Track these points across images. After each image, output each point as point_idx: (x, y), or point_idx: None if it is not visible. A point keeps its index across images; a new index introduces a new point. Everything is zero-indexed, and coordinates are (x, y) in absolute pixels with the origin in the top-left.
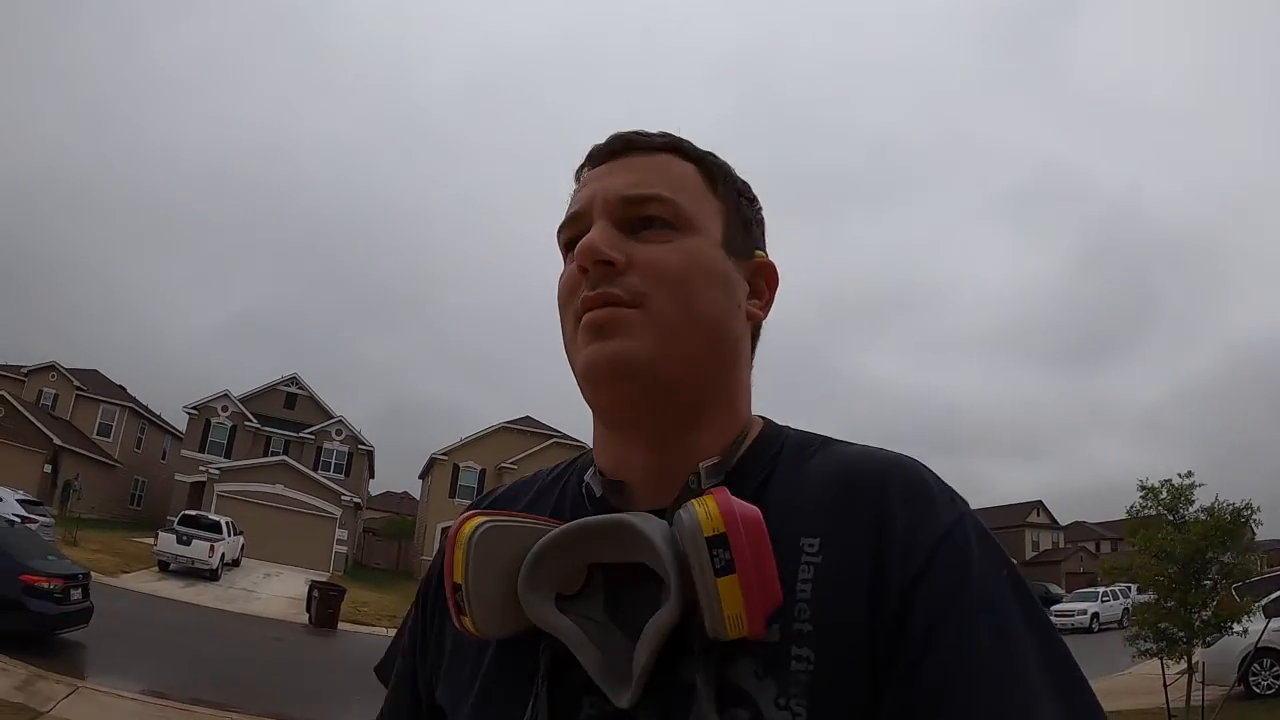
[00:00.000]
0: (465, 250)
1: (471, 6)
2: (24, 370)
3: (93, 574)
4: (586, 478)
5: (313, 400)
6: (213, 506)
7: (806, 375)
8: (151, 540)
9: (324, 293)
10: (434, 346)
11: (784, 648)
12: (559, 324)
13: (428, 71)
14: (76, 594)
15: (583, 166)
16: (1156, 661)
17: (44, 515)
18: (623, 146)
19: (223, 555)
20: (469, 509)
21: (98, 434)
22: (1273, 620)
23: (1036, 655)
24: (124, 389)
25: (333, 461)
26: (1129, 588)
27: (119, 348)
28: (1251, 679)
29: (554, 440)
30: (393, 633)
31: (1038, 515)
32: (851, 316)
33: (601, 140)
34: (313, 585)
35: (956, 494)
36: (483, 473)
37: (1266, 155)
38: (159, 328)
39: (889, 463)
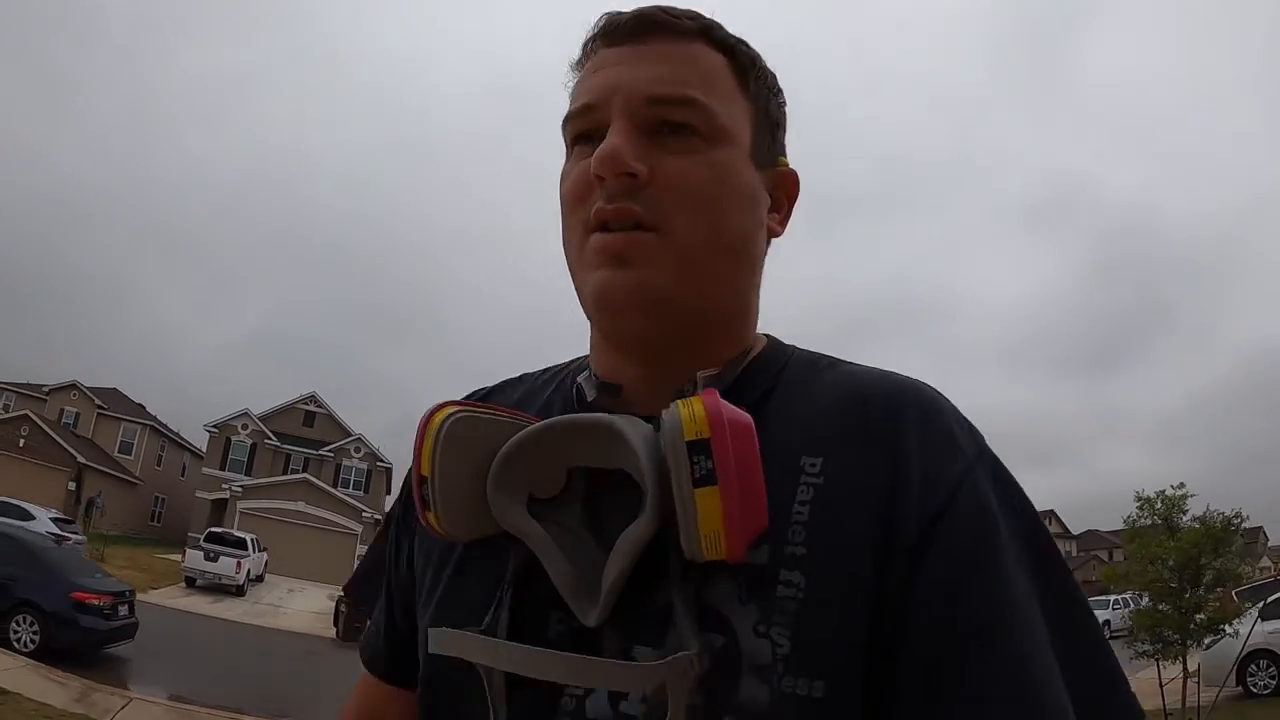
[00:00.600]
0: (477, 267)
1: (484, 29)
2: (45, 389)
3: None
4: (580, 379)
5: (331, 418)
6: (235, 523)
7: None
8: (176, 556)
9: (337, 309)
10: (444, 362)
11: (772, 571)
12: (560, 223)
13: (442, 90)
14: (123, 610)
15: (594, 39)
16: (1182, 668)
17: (75, 533)
18: (647, 25)
19: (248, 571)
20: (448, 401)
21: (119, 452)
22: (1268, 622)
23: (1042, 611)
24: (143, 407)
25: (352, 478)
26: (1140, 595)
27: (136, 366)
28: (1249, 679)
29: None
30: None
31: (1050, 524)
32: (864, 329)
33: (618, 10)
34: (340, 600)
35: (974, 427)
36: None
37: (1277, 161)
38: (174, 346)
39: (905, 387)
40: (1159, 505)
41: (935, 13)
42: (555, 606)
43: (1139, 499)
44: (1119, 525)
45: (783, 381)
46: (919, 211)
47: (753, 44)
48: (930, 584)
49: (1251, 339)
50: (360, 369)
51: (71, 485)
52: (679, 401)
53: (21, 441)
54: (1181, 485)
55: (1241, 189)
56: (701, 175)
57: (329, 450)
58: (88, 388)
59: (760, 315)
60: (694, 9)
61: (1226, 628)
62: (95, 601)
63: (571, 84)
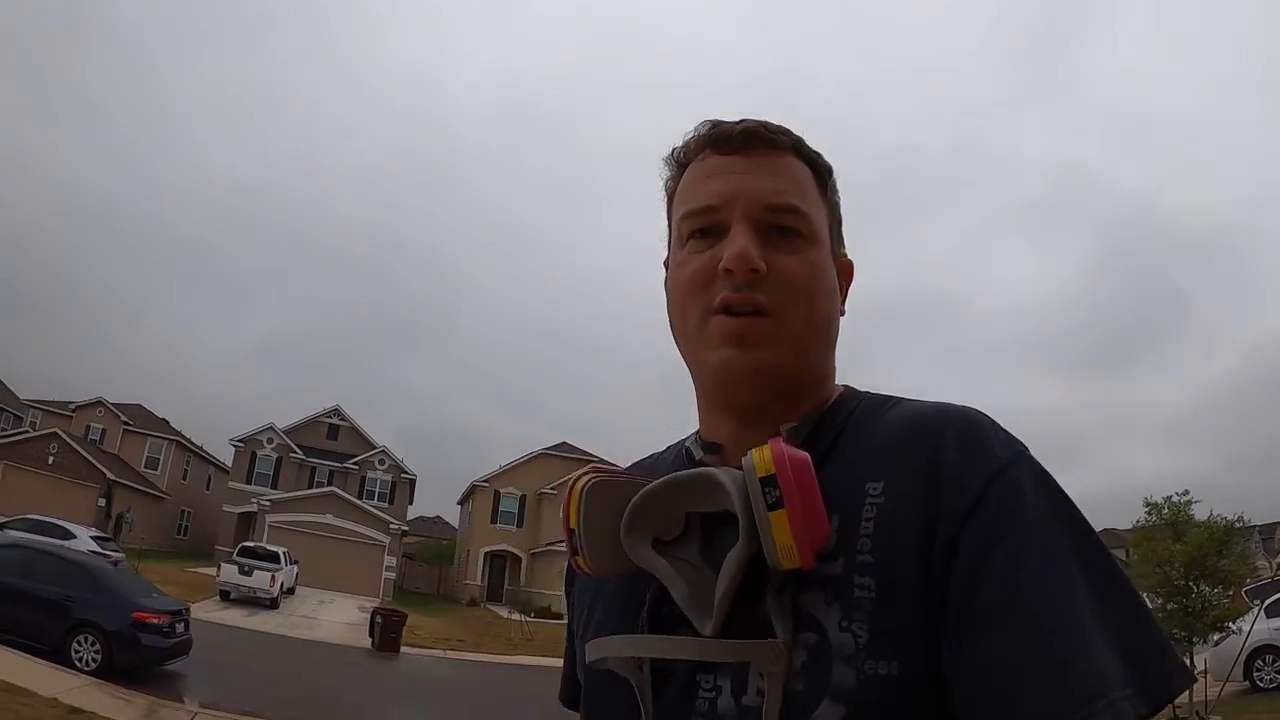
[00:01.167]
0: (492, 275)
1: (496, 37)
2: (72, 406)
3: None
4: (688, 443)
5: (355, 431)
6: (265, 537)
7: None
8: (205, 569)
9: (353, 318)
10: (460, 371)
11: (848, 578)
12: (671, 308)
13: (456, 98)
14: (180, 627)
15: (703, 144)
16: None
17: (115, 551)
18: (756, 140)
19: (281, 584)
20: (583, 472)
21: (145, 467)
22: (1273, 619)
23: (1086, 579)
24: (167, 422)
25: (376, 490)
26: (1149, 595)
27: (157, 380)
28: (1255, 674)
29: (593, 465)
30: (451, 654)
31: None
32: (875, 332)
33: (721, 120)
34: (375, 611)
35: (1016, 439)
36: (523, 499)
37: None
38: (193, 359)
39: (949, 411)
40: (1166, 510)
41: (937, 13)
42: (683, 623)
43: (1147, 504)
44: (1134, 524)
45: (851, 423)
46: (928, 212)
47: (765, 45)
48: (962, 563)
49: (1264, 333)
50: (377, 376)
51: (101, 501)
52: (754, 449)
53: (51, 459)
54: (1186, 492)
55: (1251, 181)
56: (805, 272)
57: (354, 463)
58: (113, 404)
59: None
60: (785, 125)
61: (1231, 625)
62: (155, 620)
63: (669, 172)
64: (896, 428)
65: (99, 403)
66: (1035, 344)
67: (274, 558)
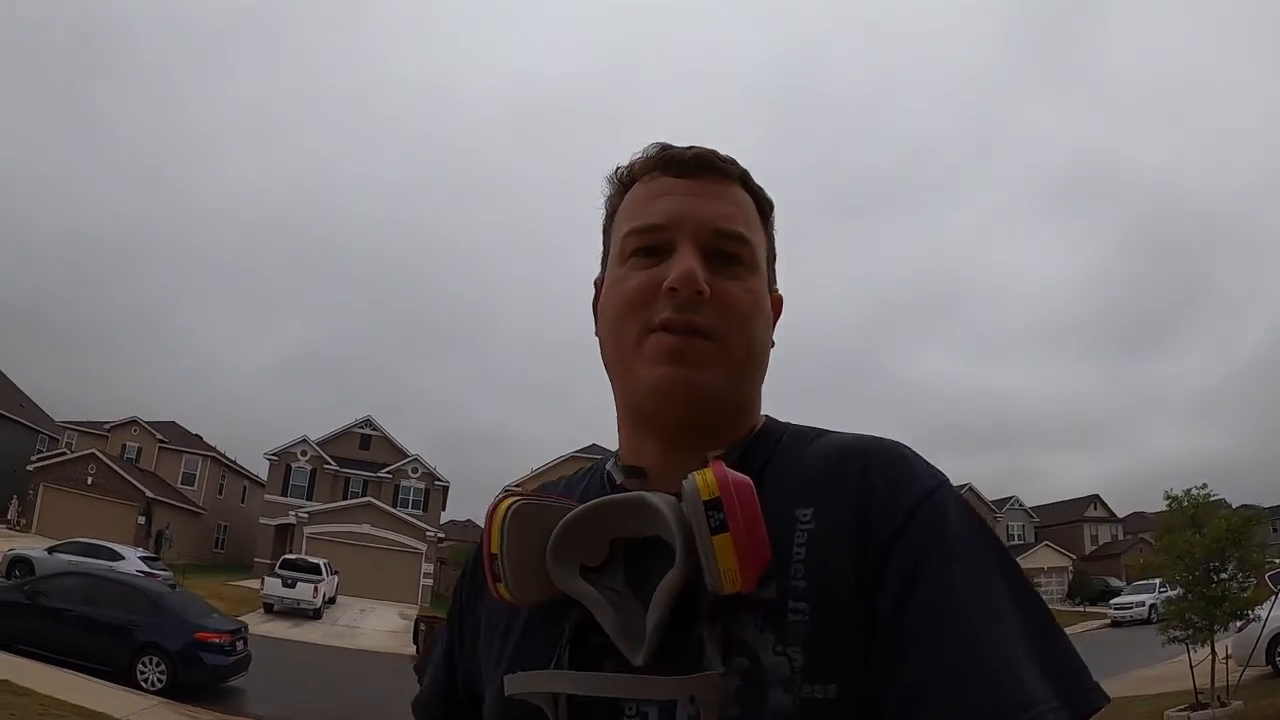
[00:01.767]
0: (515, 279)
1: (513, 41)
2: (106, 426)
3: None
4: (608, 467)
5: (387, 440)
6: (303, 548)
7: (859, 379)
8: (245, 582)
9: (380, 328)
10: (489, 376)
11: (782, 603)
12: (604, 324)
13: (470, 106)
14: (239, 645)
15: (653, 165)
16: (1195, 651)
17: (163, 570)
18: (705, 166)
19: (324, 595)
20: (502, 492)
21: (182, 483)
22: None
23: (1010, 601)
24: (200, 438)
25: (410, 498)
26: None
27: (188, 396)
28: (1277, 659)
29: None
30: None
31: (1095, 509)
32: (900, 318)
33: (670, 144)
34: (419, 619)
35: (937, 469)
36: None
37: None
38: (222, 374)
39: (874, 442)
40: (1186, 504)
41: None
42: (609, 655)
43: (1168, 496)
44: (1164, 506)
45: (778, 452)
46: (951, 199)
47: (780, 34)
48: (892, 583)
49: None
50: (405, 384)
51: (141, 519)
52: (695, 473)
53: (90, 479)
54: (1205, 485)
55: (1273, 156)
56: (745, 299)
57: (387, 472)
58: (147, 422)
59: (803, 317)
60: (732, 155)
61: (1250, 612)
62: (216, 640)
63: (610, 190)
64: (823, 456)
65: (133, 422)
66: (1061, 327)
67: (315, 569)
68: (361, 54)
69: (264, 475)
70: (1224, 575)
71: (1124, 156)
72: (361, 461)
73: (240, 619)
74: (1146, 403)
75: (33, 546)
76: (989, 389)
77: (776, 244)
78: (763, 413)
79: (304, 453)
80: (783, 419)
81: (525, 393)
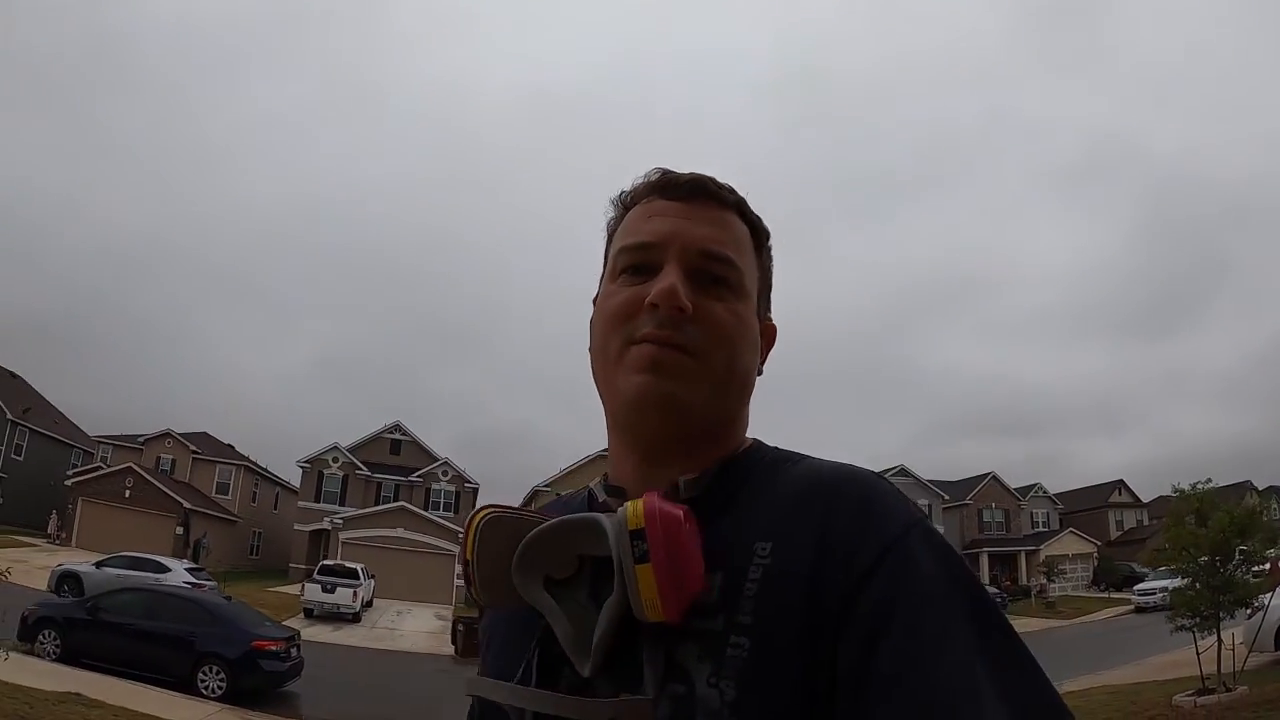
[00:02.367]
0: (535, 277)
1: (527, 40)
2: (140, 439)
3: None
4: (592, 485)
5: (416, 444)
6: (339, 553)
7: (881, 368)
8: (282, 588)
9: (403, 332)
10: (515, 376)
11: (725, 636)
12: (593, 339)
13: (485, 105)
14: (294, 651)
15: (651, 188)
16: (1202, 638)
17: (209, 580)
18: (700, 191)
19: (362, 598)
20: (482, 507)
21: (216, 492)
22: None
23: (982, 654)
24: (232, 447)
25: (441, 501)
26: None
27: (218, 408)
28: None
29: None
30: None
31: (1119, 494)
32: (920, 306)
33: (670, 169)
34: (457, 619)
35: (913, 505)
36: None
37: None
38: (251, 385)
39: (845, 474)
40: (1193, 498)
41: None
42: (568, 663)
43: (1175, 490)
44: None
45: (753, 479)
46: (965, 185)
47: (789, 26)
48: (856, 632)
49: None
50: (432, 387)
51: (179, 529)
52: (629, 502)
53: (127, 492)
54: (1209, 480)
55: None
56: (730, 321)
57: (418, 476)
58: (180, 434)
59: (823, 307)
60: (731, 184)
61: (1253, 601)
62: (273, 647)
63: (613, 212)
64: (792, 489)
65: (167, 434)
66: (1082, 311)
67: (353, 574)
68: (373, 57)
69: (295, 482)
70: (1230, 566)
71: (1140, 136)
72: (392, 466)
73: (287, 625)
74: (1170, 385)
75: (78, 561)
76: (1011, 375)
77: (773, 274)
78: (751, 435)
79: (335, 459)
80: (794, 419)
81: (553, 392)
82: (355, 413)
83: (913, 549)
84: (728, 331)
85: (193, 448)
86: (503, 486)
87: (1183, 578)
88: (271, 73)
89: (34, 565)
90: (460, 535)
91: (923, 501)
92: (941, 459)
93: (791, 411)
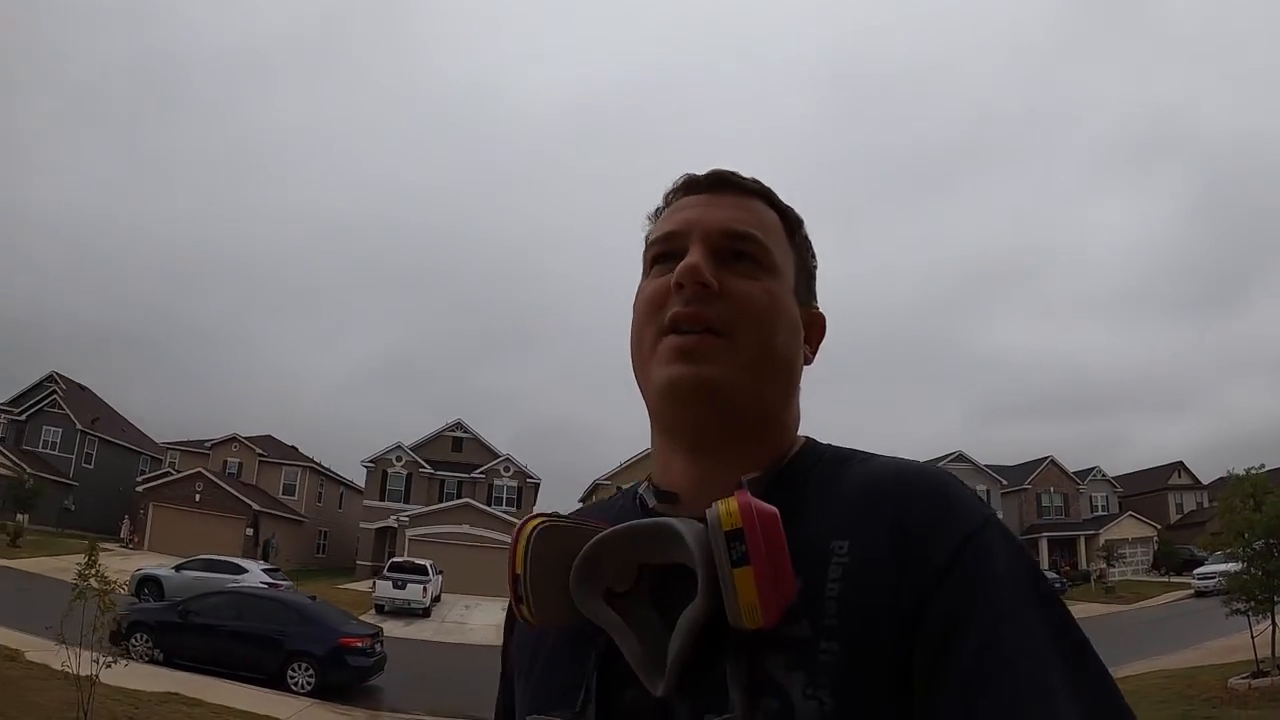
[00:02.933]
0: (594, 269)
1: (573, 38)
2: (207, 444)
3: None
4: (640, 490)
5: (478, 441)
6: (405, 550)
7: (938, 351)
8: (351, 585)
9: (460, 331)
10: (573, 370)
11: (814, 642)
12: (631, 338)
13: (531, 103)
14: (378, 646)
15: (677, 191)
16: (1258, 622)
17: (284, 580)
18: (721, 182)
19: (431, 594)
20: (531, 516)
21: (283, 493)
22: None
23: (1059, 659)
24: (296, 449)
25: (504, 496)
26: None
27: (278, 411)
28: None
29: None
30: None
31: (1179, 476)
32: (978, 288)
33: (697, 172)
34: None
35: (982, 501)
36: None
37: None
38: (310, 387)
39: (913, 471)
40: (1247, 484)
41: None
42: (634, 684)
43: (1229, 474)
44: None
45: (814, 478)
46: (1022, 164)
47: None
48: (934, 633)
49: None
50: (490, 383)
51: (249, 530)
52: (719, 501)
53: (197, 497)
54: (1262, 465)
55: None
56: (760, 298)
57: (480, 472)
58: (245, 438)
59: (880, 291)
60: (756, 177)
61: None
62: (358, 644)
63: (649, 226)
64: (862, 485)
65: (233, 439)
66: (1140, 289)
67: (422, 571)
68: (415, 64)
69: (359, 481)
70: None
71: (1199, 110)
72: (454, 463)
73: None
74: (1232, 363)
75: (153, 564)
76: (1068, 356)
77: (815, 262)
78: (802, 434)
79: (399, 458)
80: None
81: (612, 385)
82: (414, 412)
83: (989, 545)
84: (758, 307)
85: (259, 451)
86: (563, 481)
87: (1238, 562)
88: (322, 84)
89: (110, 569)
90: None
91: (980, 487)
92: (998, 443)
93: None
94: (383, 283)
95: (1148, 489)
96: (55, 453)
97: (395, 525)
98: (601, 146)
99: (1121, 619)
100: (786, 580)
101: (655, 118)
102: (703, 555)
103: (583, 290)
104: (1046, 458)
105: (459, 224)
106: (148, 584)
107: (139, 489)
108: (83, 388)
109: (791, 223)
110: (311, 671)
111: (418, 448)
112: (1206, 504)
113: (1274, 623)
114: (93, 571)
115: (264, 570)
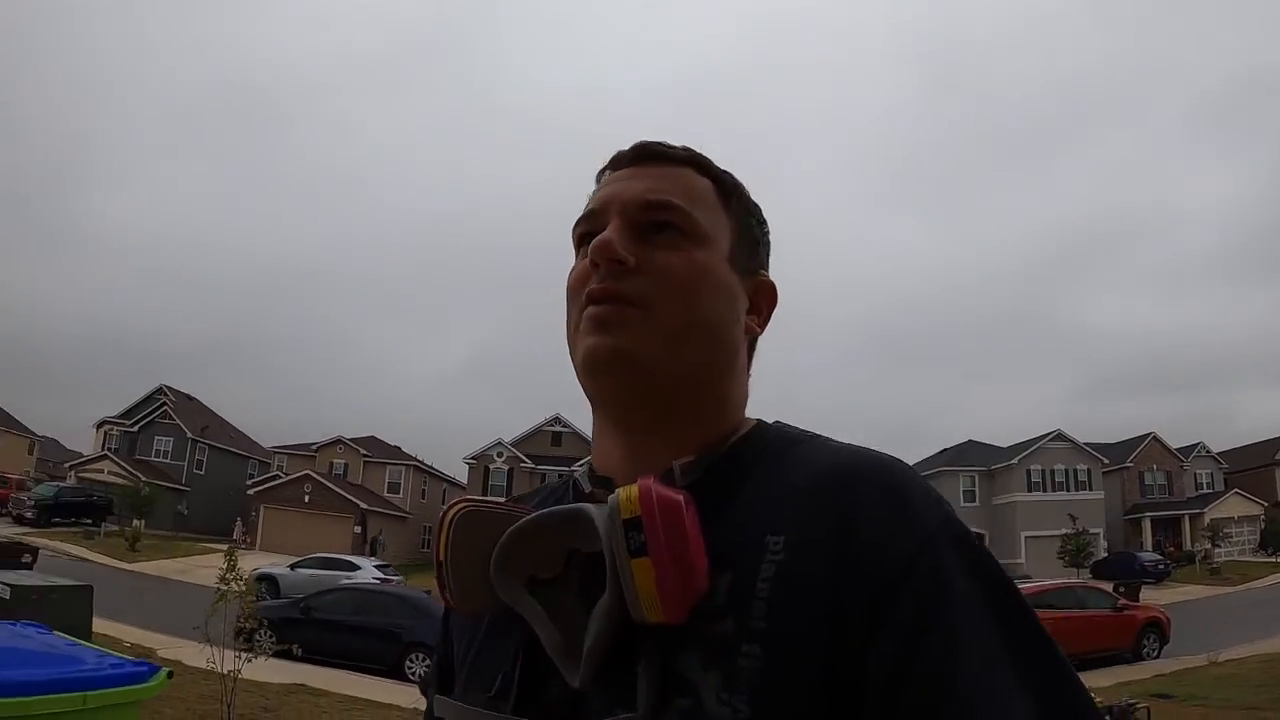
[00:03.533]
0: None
1: (662, 38)
2: (314, 447)
3: None
4: (576, 474)
5: (576, 435)
6: None
7: (1032, 327)
8: None
9: (550, 321)
10: None
11: (735, 642)
12: (564, 314)
13: (625, 99)
14: None
15: (604, 169)
16: None
17: (395, 575)
18: (646, 154)
19: None
20: (454, 501)
21: (388, 492)
22: None
23: (1012, 655)
24: (399, 448)
25: None
26: None
27: (380, 412)
28: None
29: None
30: None
31: None
32: (1069, 260)
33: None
34: None
35: (941, 499)
36: None
37: None
38: (410, 387)
39: (864, 463)
40: None
41: None
42: (557, 673)
43: None
44: None
45: (758, 463)
46: (1115, 131)
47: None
48: (884, 648)
49: None
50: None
51: (357, 529)
52: (620, 488)
53: (306, 498)
54: None
55: None
56: (682, 267)
57: (580, 465)
58: (350, 440)
59: (970, 268)
60: (689, 145)
61: None
62: None
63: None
64: (810, 474)
65: (338, 441)
66: (1240, 253)
67: None
68: (508, 69)
69: (460, 477)
70: None
71: None
72: (554, 458)
73: None
74: None
75: (266, 563)
76: (1167, 328)
77: (765, 229)
78: (750, 415)
79: (500, 454)
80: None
81: None
82: (511, 408)
83: (944, 552)
84: (678, 277)
85: (363, 451)
86: None
87: None
88: (418, 91)
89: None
90: (435, 532)
91: (1081, 466)
92: (1099, 420)
93: (950, 375)
94: (482, 281)
95: (1255, 464)
96: (168, 461)
97: None
98: (699, 137)
99: (1227, 601)
100: (692, 574)
101: (746, 109)
102: (608, 543)
103: None
104: (1149, 434)
105: (556, 221)
106: (265, 582)
107: (249, 492)
108: (191, 398)
109: (727, 188)
110: (429, 662)
111: (518, 443)
112: None
113: None
114: (233, 575)
115: (375, 566)
